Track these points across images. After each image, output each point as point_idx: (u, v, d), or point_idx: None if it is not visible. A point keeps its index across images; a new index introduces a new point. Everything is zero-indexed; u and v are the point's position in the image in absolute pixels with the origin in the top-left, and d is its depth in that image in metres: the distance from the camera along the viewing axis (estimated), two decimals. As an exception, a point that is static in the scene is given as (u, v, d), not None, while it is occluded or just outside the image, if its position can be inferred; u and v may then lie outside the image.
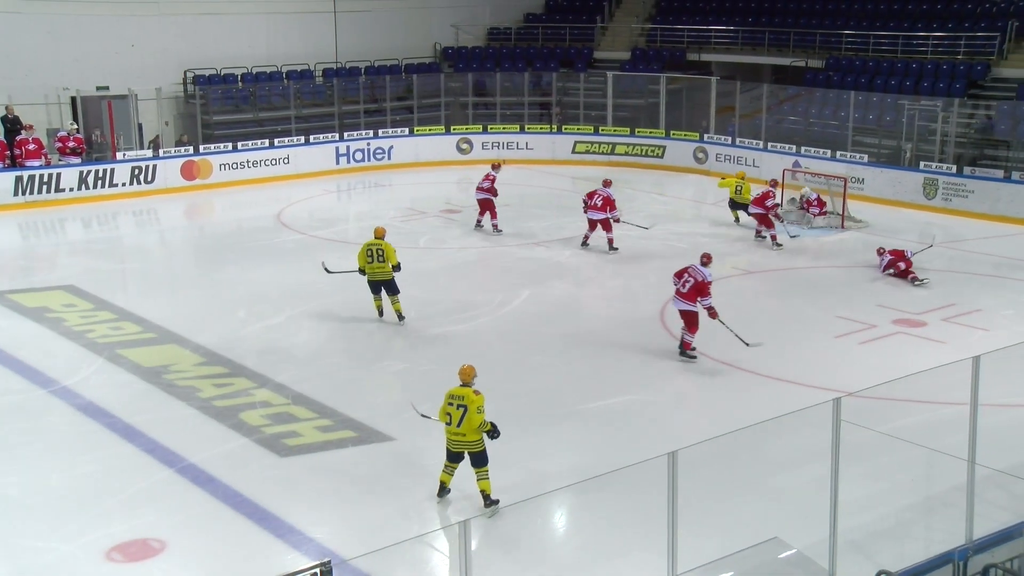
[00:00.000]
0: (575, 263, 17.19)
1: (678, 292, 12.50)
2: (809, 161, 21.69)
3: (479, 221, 19.09)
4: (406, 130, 26.08)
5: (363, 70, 28.10)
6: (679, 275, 12.58)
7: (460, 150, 26.02)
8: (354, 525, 8.89)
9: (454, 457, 9.08)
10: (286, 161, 24.05)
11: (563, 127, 26.51)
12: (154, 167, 22.33)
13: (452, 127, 26.47)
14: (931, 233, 18.58)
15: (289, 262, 17.28)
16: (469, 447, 8.96)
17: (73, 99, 23.56)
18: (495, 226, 18.88)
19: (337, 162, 24.89)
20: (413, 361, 12.70)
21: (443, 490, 9.18)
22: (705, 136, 24.81)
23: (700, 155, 24.61)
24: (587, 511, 9.09)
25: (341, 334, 13.77)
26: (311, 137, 24.79)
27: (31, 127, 21.59)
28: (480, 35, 31.02)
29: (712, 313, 12.40)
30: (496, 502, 9.00)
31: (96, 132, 23.32)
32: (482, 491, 9.03)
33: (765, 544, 7.40)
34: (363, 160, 25.20)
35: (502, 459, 10.09)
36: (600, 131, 26.27)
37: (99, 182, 21.67)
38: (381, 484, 9.56)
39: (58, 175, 21.17)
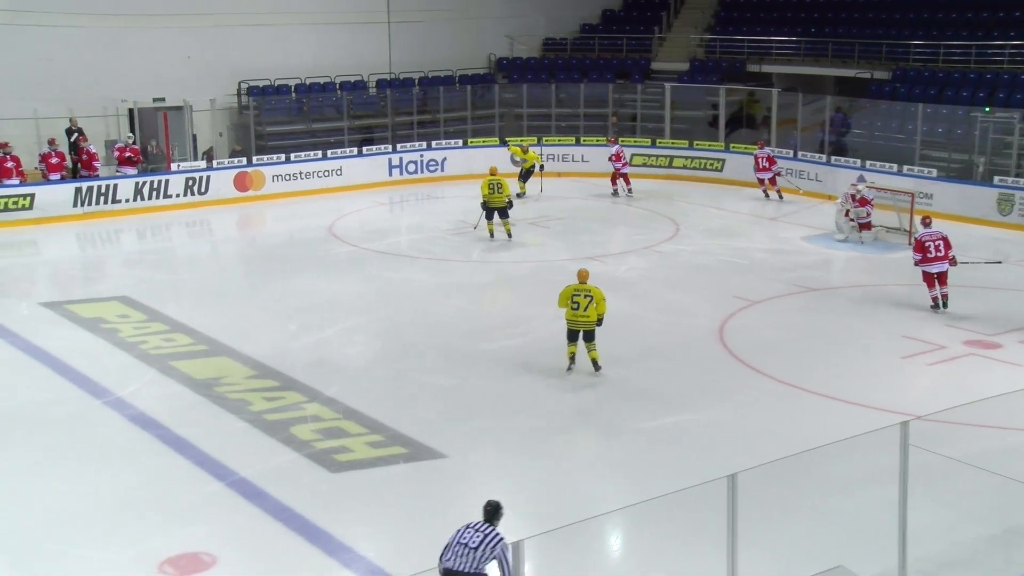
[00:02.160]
0: (630, 277, 17.11)
1: (934, 259, 14.51)
2: (874, 176, 21.35)
3: (629, 190, 23.19)
4: (459, 142, 26.23)
5: (416, 81, 28.34)
6: (920, 248, 14.60)
7: (514, 162, 26.05)
8: (405, 543, 8.88)
9: (573, 336, 12.36)
10: (338, 172, 24.33)
11: (619, 140, 26.43)
12: (207, 178, 22.72)
13: (506, 139, 26.56)
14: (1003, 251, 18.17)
15: (340, 274, 17.44)
16: (586, 326, 12.26)
17: (131, 111, 24.08)
18: (630, 190, 23.21)
19: (390, 174, 25.12)
20: (464, 376, 12.71)
21: (572, 360, 12.39)
22: (766, 148, 24.56)
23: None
24: (643, 534, 9.00)
25: (392, 347, 13.84)
26: (364, 148, 25.06)
27: (82, 139, 22.09)
28: (535, 46, 31.12)
29: (954, 261, 14.66)
30: (600, 367, 12.34)
31: (151, 143, 23.82)
32: (593, 360, 12.33)
33: (830, 572, 7.26)
34: (416, 172, 25.40)
35: (555, 478, 10.06)
36: (657, 144, 26.16)
37: (154, 193, 22.11)
38: (432, 502, 9.56)
39: (115, 186, 21.66)
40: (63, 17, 23.18)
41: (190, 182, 22.52)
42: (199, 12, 25.11)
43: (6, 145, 20.97)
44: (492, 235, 19.25)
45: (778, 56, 27.88)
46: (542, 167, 23.52)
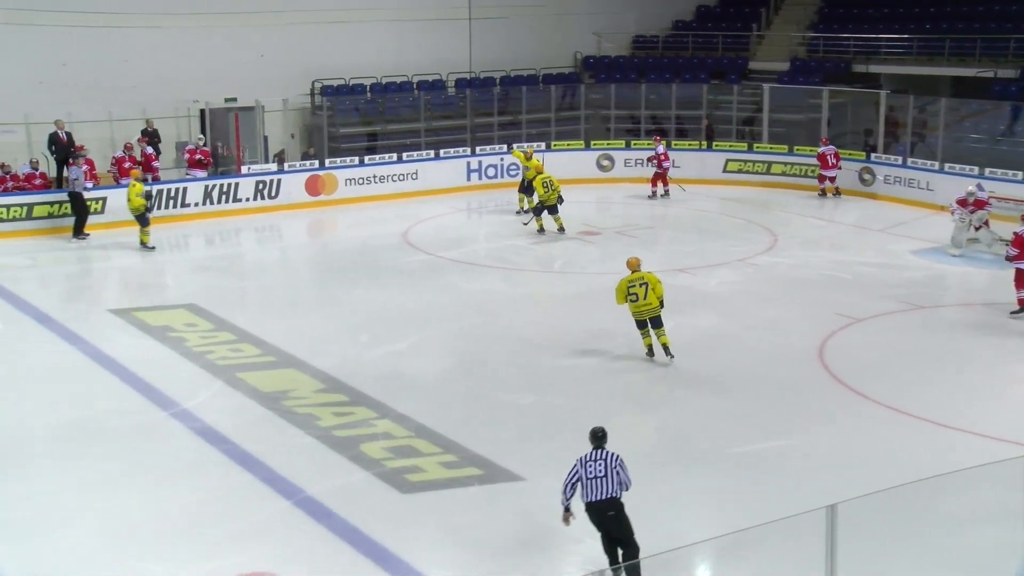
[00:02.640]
0: (722, 292, 16.93)
1: None
2: (995, 184, 20.75)
3: (666, 191, 23.93)
4: (543, 145, 26.27)
5: (498, 80, 28.51)
6: (1021, 243, 14.82)
7: (601, 167, 26.05)
8: (479, 569, 8.92)
9: (643, 324, 13.26)
10: (414, 176, 24.59)
11: (714, 144, 26.20)
12: (278, 181, 23.18)
13: (592, 142, 26.54)
14: None
15: (414, 284, 17.59)
16: (651, 313, 13.12)
17: (202, 111, 24.72)
18: (668, 192, 23.95)
19: (468, 178, 25.30)
20: (544, 393, 12.71)
21: (651, 350, 13.35)
22: (872, 156, 24.13)
23: (866, 176, 23.93)
24: (734, 566, 8.87)
25: (467, 362, 13.92)
26: (441, 151, 25.27)
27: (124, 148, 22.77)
28: (624, 44, 31.08)
29: None
30: (672, 356, 13.20)
31: (219, 144, 24.38)
32: (664, 346, 13.20)
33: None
34: (496, 176, 25.52)
35: (642, 504, 9.98)
36: (754, 148, 25.87)
37: (223, 196, 22.62)
38: (508, 526, 9.57)
39: (184, 189, 22.23)
40: (139, 18, 23.95)
41: (260, 186, 23.00)
42: (273, 10, 25.70)
43: (82, 148, 21.69)
44: (542, 230, 20.52)
45: (887, 56, 27.36)
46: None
